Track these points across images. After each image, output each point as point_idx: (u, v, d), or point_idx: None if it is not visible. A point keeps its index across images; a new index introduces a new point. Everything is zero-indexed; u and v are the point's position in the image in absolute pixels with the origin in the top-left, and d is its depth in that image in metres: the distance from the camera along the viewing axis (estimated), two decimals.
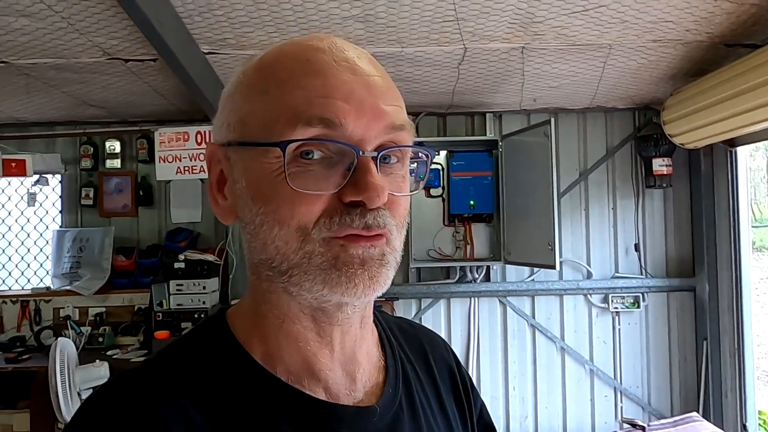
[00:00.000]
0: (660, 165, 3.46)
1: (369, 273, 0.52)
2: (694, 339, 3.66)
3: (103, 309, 3.48)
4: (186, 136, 3.20)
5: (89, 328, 3.40)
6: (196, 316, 3.13)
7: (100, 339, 3.28)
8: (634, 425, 1.73)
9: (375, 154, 0.52)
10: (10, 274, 3.82)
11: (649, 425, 1.74)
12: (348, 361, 0.58)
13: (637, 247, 3.69)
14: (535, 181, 3.13)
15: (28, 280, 3.77)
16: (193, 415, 0.51)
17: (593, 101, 3.51)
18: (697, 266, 3.61)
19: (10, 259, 3.79)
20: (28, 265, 3.83)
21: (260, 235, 0.53)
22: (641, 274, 3.68)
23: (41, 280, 3.79)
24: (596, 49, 2.70)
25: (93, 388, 2.66)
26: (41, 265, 3.82)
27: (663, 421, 1.78)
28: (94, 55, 2.64)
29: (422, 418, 0.62)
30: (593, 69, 2.96)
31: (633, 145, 3.70)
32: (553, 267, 2.92)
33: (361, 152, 0.51)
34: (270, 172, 0.52)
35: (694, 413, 1.94)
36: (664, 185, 3.53)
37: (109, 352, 3.09)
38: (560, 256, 3.53)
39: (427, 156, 0.59)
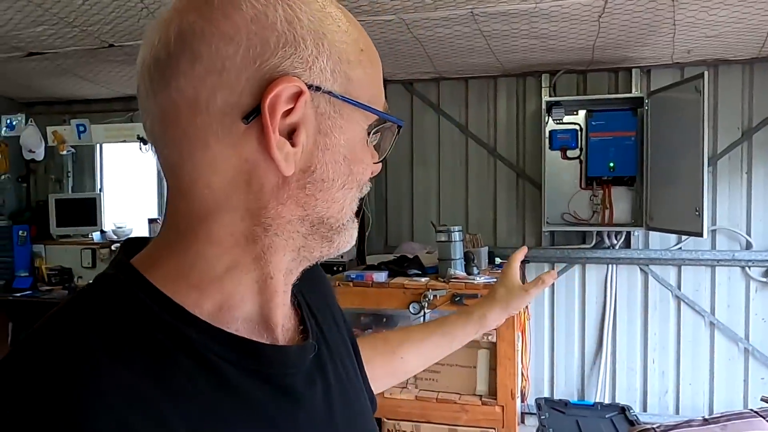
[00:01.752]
0: None
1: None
2: None
3: None
4: None
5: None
6: (334, 269, 3.37)
7: None
8: None
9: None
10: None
11: None
12: (285, 308, 0.60)
13: None
14: (684, 141, 2.87)
15: None
16: (138, 384, 0.44)
17: (762, 50, 3.10)
18: None
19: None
20: None
21: (334, 192, 0.54)
22: None
23: None
24: None
25: None
26: None
27: None
28: None
29: (332, 344, 0.67)
30: (761, 13, 2.61)
31: None
32: (700, 234, 2.69)
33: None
34: (363, 137, 0.55)
35: None
36: None
37: None
38: (712, 224, 3.23)
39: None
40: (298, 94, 0.49)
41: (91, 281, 0.55)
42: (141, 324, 0.48)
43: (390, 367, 0.96)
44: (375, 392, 0.82)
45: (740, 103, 3.33)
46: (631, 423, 2.74)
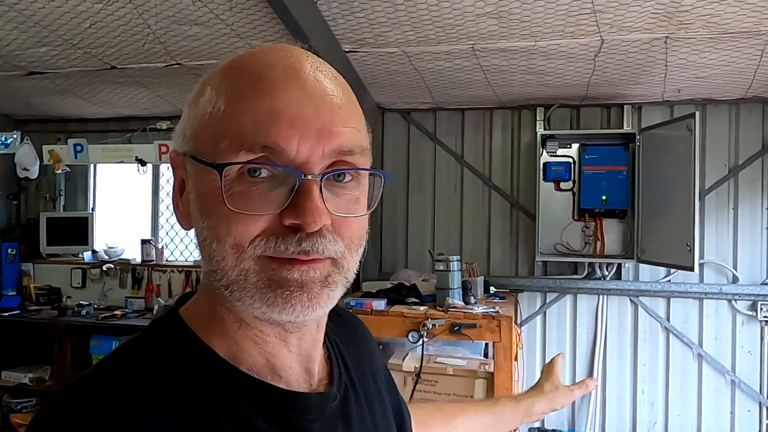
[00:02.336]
0: None
1: (309, 294, 0.53)
2: None
3: None
4: None
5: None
6: None
7: None
8: None
9: (318, 177, 0.52)
10: (177, 246, 4.38)
11: None
12: (305, 359, 0.61)
13: None
14: (675, 177, 2.97)
15: (191, 253, 4.29)
16: (168, 418, 0.50)
17: (748, 92, 3.23)
18: None
19: (177, 233, 4.35)
20: (192, 240, 4.36)
21: (205, 248, 0.54)
22: None
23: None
24: (753, 37, 2.50)
25: None
26: None
27: None
28: None
29: (362, 396, 0.68)
30: (749, 57, 2.73)
31: None
32: (691, 269, 2.77)
33: (303, 175, 0.51)
34: (215, 188, 0.52)
35: None
36: None
37: None
38: (701, 258, 3.31)
39: (381, 178, 0.59)
40: (173, 160, 0.60)
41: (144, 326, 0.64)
42: (172, 363, 0.55)
43: None
44: None
45: (727, 141, 3.45)
46: None
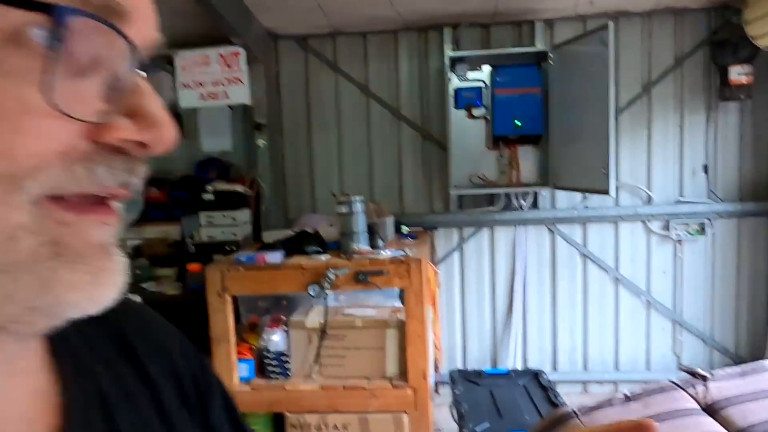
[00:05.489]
0: (738, 73, 3.01)
1: (114, 266, 0.33)
2: None
3: (140, 241, 3.47)
4: (207, 60, 3.01)
5: (127, 260, 3.39)
6: (227, 248, 3.05)
7: (138, 271, 3.28)
8: (694, 374, 1.51)
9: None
10: None
11: (711, 374, 1.51)
12: (32, 397, 0.36)
13: (705, 169, 3.31)
14: (590, 96, 2.77)
15: None
16: None
17: (661, 1, 3.05)
18: None
19: None
20: None
21: None
22: (709, 199, 3.32)
23: None
24: None
25: None
26: None
27: (728, 370, 1.55)
28: None
29: None
30: None
31: (706, 51, 3.23)
32: (607, 192, 2.62)
33: (146, 65, 0.32)
34: None
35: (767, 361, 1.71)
36: (742, 97, 3.09)
37: (144, 284, 3.08)
38: (617, 180, 3.20)
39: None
40: None
41: None
42: None
43: None
44: None
45: (640, 55, 3.29)
46: (544, 388, 2.69)
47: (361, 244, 2.41)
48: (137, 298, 2.76)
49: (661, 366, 3.45)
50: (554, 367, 3.53)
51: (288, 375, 2.40)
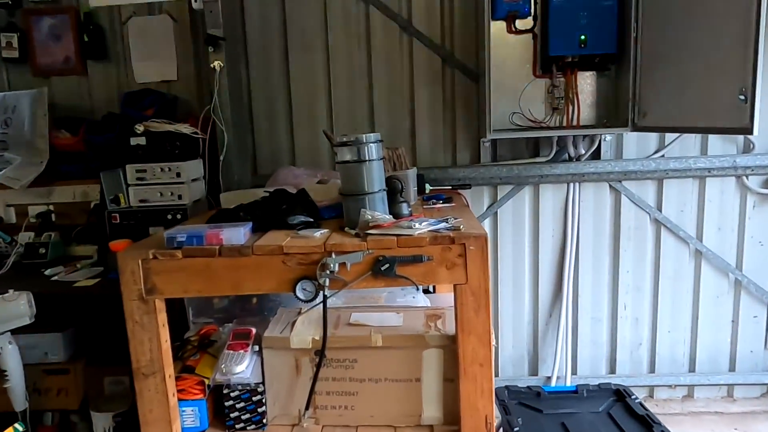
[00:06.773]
0: None
1: None
2: None
3: (48, 207, 2.46)
4: None
5: (31, 234, 2.40)
6: (169, 217, 2.08)
7: (42, 250, 2.29)
8: None
9: None
10: None
11: None
12: None
13: None
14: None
15: None
16: None
17: None
18: None
19: None
20: None
21: None
22: None
23: None
24: None
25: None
26: None
27: None
28: None
29: None
30: None
31: None
32: (748, 131, 1.73)
33: None
34: None
35: None
36: None
37: (48, 271, 2.10)
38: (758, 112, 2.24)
39: None
40: None
41: None
42: None
43: None
44: None
45: None
46: (634, 414, 1.85)
47: (378, 212, 1.47)
48: (23, 297, 1.78)
49: (748, 366, 2.67)
50: (611, 369, 2.72)
51: (263, 424, 1.49)
